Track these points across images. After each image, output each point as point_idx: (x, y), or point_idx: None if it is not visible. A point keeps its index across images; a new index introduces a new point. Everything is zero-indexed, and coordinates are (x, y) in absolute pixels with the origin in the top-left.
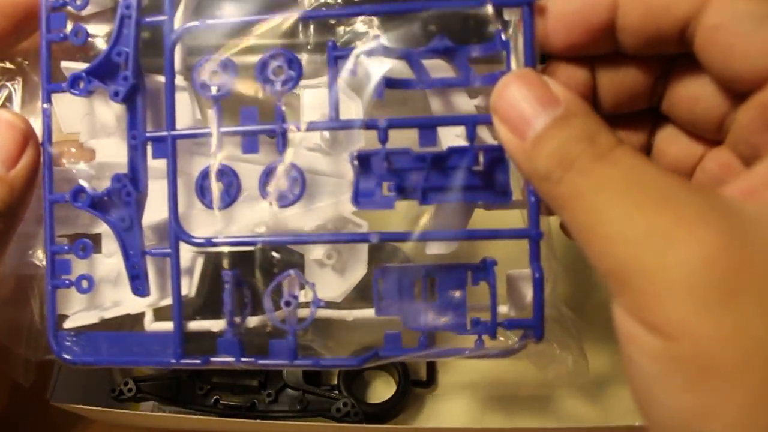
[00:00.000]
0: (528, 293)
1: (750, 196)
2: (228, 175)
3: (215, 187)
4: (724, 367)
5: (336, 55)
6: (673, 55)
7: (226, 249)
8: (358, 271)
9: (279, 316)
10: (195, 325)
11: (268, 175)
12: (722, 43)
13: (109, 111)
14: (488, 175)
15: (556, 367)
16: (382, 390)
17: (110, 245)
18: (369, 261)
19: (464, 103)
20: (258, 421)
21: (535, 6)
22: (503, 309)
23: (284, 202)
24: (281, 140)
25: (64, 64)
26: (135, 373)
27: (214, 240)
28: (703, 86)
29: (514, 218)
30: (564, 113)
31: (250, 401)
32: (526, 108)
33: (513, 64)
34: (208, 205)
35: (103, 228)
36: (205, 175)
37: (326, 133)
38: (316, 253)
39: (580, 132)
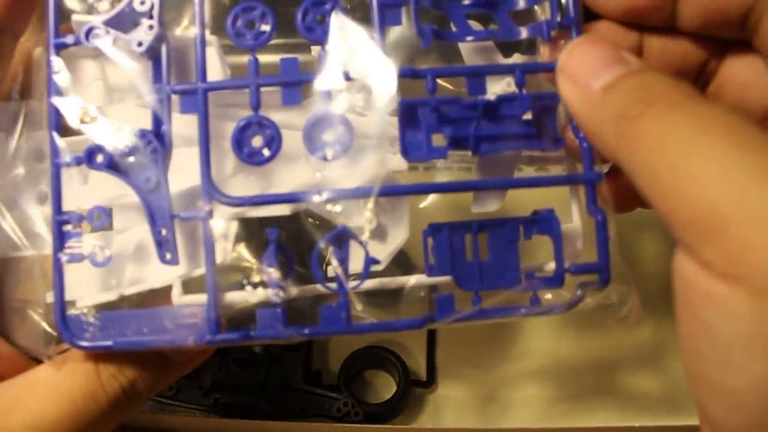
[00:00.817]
0: (579, 245)
1: None
2: (268, 128)
3: (256, 140)
4: None
5: (383, 3)
6: (726, 39)
7: (262, 211)
8: (400, 234)
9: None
10: (231, 296)
11: (314, 125)
12: None
13: (120, 74)
14: (538, 123)
15: (614, 316)
16: (382, 390)
17: (122, 220)
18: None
19: (495, 57)
20: (258, 421)
21: None
22: (551, 266)
23: (333, 154)
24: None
25: (75, 17)
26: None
27: (254, 198)
28: (755, 73)
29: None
30: (638, 68)
31: (250, 401)
32: (596, 64)
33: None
34: (246, 159)
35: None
36: (244, 126)
37: (359, 94)
38: (356, 218)
39: (662, 75)
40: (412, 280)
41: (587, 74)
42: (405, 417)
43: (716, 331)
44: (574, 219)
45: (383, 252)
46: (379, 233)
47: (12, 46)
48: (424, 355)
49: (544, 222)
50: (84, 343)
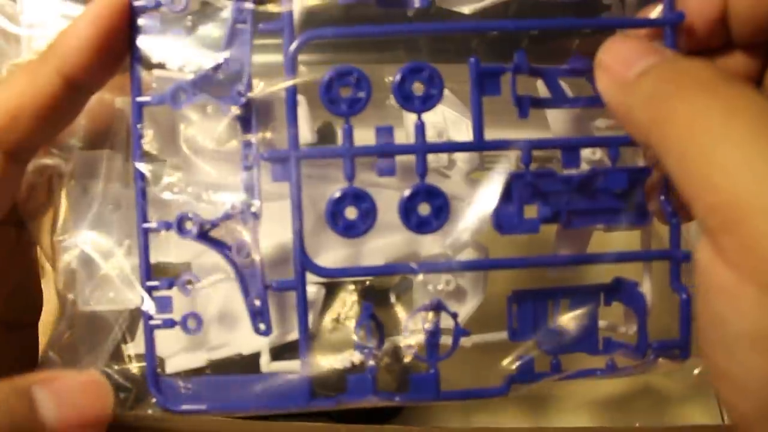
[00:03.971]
0: (648, 307)
1: None
2: (363, 201)
3: (350, 212)
4: None
5: (481, 71)
6: None
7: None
8: (477, 296)
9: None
10: (323, 363)
11: (410, 199)
12: None
13: (197, 123)
14: (627, 197)
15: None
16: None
17: (200, 279)
18: None
19: (583, 123)
20: (258, 421)
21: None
22: (621, 328)
23: (426, 228)
24: (422, 161)
25: (157, 73)
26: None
27: (347, 271)
28: None
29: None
30: (673, 56)
31: None
32: (631, 55)
33: None
34: (341, 232)
35: (190, 255)
36: (339, 199)
37: (444, 155)
38: (435, 280)
39: (696, 60)
40: (490, 338)
41: (622, 65)
42: (405, 417)
43: (726, 323)
44: (644, 284)
45: (461, 312)
46: (457, 294)
47: (84, 102)
48: None
49: (627, 293)
50: (178, 408)
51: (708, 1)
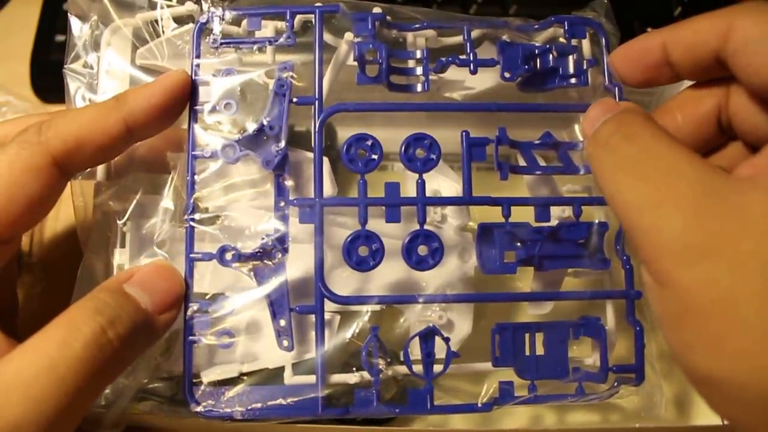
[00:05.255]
0: (613, 340)
1: (753, 172)
2: (374, 241)
3: (362, 250)
4: (697, 311)
5: (470, 142)
6: (723, 80)
7: (366, 307)
8: (464, 329)
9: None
10: (335, 378)
11: (411, 241)
12: (743, 63)
13: (238, 174)
14: (589, 246)
15: (642, 403)
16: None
17: (233, 302)
18: None
19: (553, 185)
20: (258, 422)
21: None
22: (589, 360)
23: (423, 266)
24: (421, 211)
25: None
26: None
27: (360, 298)
28: (752, 105)
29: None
30: (617, 113)
31: None
32: (596, 117)
33: None
34: (354, 266)
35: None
36: (353, 239)
37: (438, 212)
38: (427, 314)
39: (618, 120)
40: (480, 367)
41: (591, 128)
42: (405, 417)
43: (652, 308)
44: (608, 318)
45: (452, 341)
46: (448, 326)
47: (131, 144)
48: None
49: (591, 327)
50: (208, 412)
51: (648, 52)
